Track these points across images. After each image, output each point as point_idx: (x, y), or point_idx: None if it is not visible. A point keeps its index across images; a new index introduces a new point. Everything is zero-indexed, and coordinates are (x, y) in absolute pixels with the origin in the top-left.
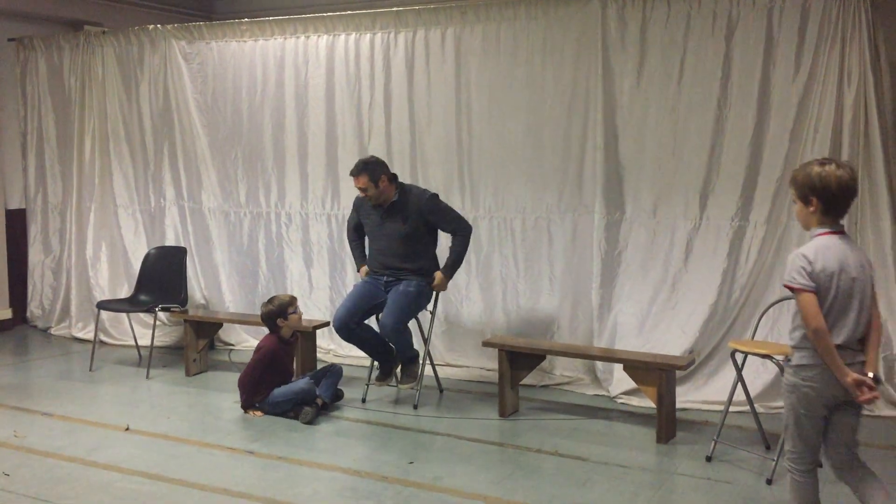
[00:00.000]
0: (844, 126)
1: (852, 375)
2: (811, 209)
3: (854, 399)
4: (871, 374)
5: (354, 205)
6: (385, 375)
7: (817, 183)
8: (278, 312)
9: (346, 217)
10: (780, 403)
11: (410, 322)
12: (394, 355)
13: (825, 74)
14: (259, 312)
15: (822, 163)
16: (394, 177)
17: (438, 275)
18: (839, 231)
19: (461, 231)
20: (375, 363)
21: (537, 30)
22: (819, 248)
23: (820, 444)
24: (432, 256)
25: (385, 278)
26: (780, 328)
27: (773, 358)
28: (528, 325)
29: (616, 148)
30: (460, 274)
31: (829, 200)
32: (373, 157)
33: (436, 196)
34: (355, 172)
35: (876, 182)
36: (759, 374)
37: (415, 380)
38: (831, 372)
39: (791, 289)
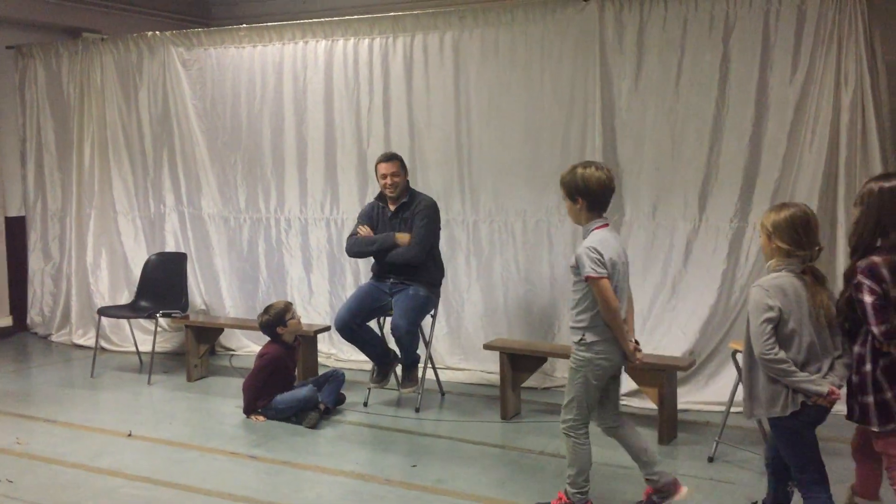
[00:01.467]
0: (842, 127)
1: (632, 344)
2: (578, 207)
3: (632, 363)
4: (634, 340)
5: (361, 215)
6: (383, 377)
7: (581, 183)
8: (276, 321)
9: (345, 221)
10: None
11: None
12: (392, 358)
13: (822, 76)
14: (256, 319)
15: (585, 166)
16: (408, 181)
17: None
18: (608, 223)
19: (412, 250)
20: (374, 365)
21: (535, 33)
22: (601, 241)
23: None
24: (439, 265)
25: (390, 282)
26: None
27: None
28: (530, 328)
29: (615, 150)
30: (461, 276)
31: (593, 198)
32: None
33: (433, 206)
34: (388, 158)
35: None
36: None
37: (416, 383)
38: (616, 344)
39: (591, 279)
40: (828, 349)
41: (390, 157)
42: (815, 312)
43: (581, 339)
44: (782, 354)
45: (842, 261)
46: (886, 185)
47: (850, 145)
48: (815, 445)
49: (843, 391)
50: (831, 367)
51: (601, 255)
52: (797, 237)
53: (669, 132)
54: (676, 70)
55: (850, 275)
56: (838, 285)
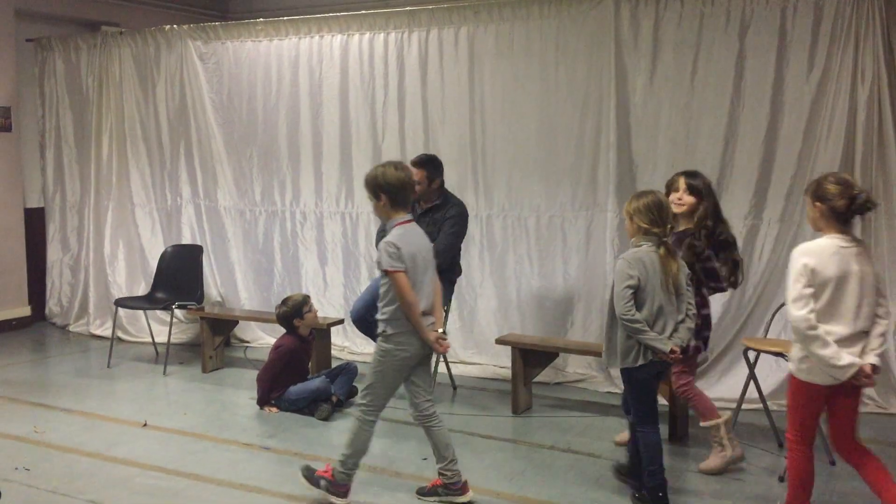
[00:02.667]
0: (858, 124)
1: (433, 334)
2: (381, 203)
3: (435, 351)
4: (441, 331)
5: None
6: None
7: (382, 181)
8: (293, 313)
9: (359, 215)
10: None
11: None
12: None
13: (839, 73)
14: (274, 310)
15: (385, 165)
16: (442, 183)
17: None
18: (411, 219)
19: (438, 257)
20: None
21: (550, 29)
22: (401, 236)
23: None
24: (456, 266)
25: None
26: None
27: (785, 356)
28: (542, 323)
29: (629, 146)
30: (474, 271)
31: (393, 196)
32: (434, 156)
33: (464, 214)
34: (418, 164)
35: (890, 180)
36: (771, 372)
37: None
38: (416, 335)
39: (387, 272)
40: (673, 312)
41: (419, 163)
42: (665, 281)
43: (383, 332)
44: (638, 315)
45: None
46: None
47: (867, 142)
48: (654, 392)
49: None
50: (675, 329)
51: (399, 249)
52: (653, 217)
53: (684, 129)
54: (692, 66)
55: None
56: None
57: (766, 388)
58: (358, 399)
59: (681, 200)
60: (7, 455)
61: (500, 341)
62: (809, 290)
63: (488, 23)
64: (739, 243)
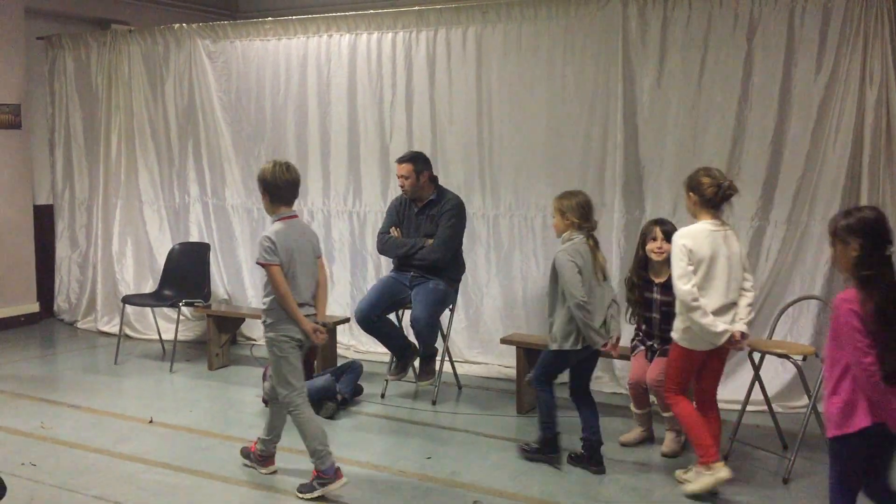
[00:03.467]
0: (866, 126)
1: (310, 324)
2: (266, 200)
3: (314, 342)
4: (323, 323)
5: (390, 209)
6: (402, 369)
7: (265, 179)
8: None
9: (367, 214)
10: (798, 403)
11: None
12: (412, 350)
13: (847, 74)
14: None
15: (273, 163)
16: (434, 178)
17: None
18: (293, 215)
19: (437, 252)
20: (393, 357)
21: (558, 29)
22: (278, 231)
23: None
24: (459, 262)
25: (411, 275)
26: (799, 328)
27: (790, 357)
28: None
29: (636, 147)
30: (480, 271)
31: (275, 193)
32: (421, 152)
33: (460, 206)
34: (402, 160)
35: None
36: (777, 374)
37: (433, 376)
38: (295, 323)
39: (263, 265)
40: (602, 297)
41: (404, 159)
42: (595, 269)
43: (265, 321)
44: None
45: None
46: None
47: (875, 144)
48: (566, 368)
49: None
50: (604, 322)
51: (274, 244)
52: (584, 214)
53: (691, 129)
54: (699, 67)
55: None
56: None
57: (772, 390)
58: (281, 394)
59: (661, 249)
60: (14, 450)
61: (504, 341)
62: (691, 268)
63: (496, 23)
64: (745, 245)
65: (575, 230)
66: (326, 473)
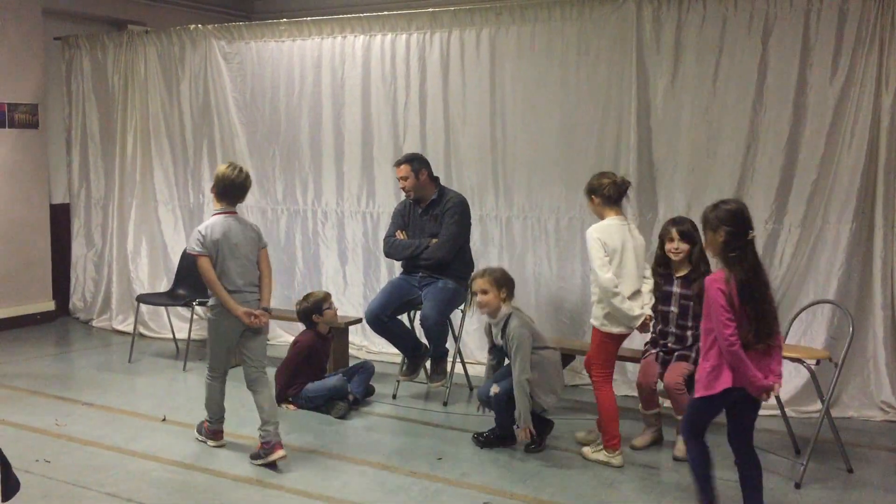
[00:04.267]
0: (881, 129)
1: (242, 309)
2: (214, 195)
3: (250, 324)
4: (265, 307)
5: (395, 213)
6: (413, 370)
7: (220, 177)
8: (313, 309)
9: (380, 215)
10: (812, 408)
11: None
12: (423, 351)
13: (863, 77)
14: (294, 308)
15: (230, 165)
16: (436, 178)
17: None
18: (231, 211)
19: (441, 250)
20: (404, 358)
21: (572, 31)
22: (210, 225)
23: (230, 358)
24: (468, 260)
25: (420, 275)
26: (812, 332)
27: (804, 361)
28: (560, 325)
29: (650, 149)
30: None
31: (220, 190)
32: (418, 153)
33: (462, 203)
34: (399, 162)
35: None
36: (790, 378)
37: (445, 377)
38: (230, 311)
39: (192, 254)
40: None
41: (399, 161)
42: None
43: (206, 303)
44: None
45: (878, 264)
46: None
47: (890, 147)
48: None
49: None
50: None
51: (204, 236)
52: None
53: (705, 132)
54: (714, 69)
55: None
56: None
57: (785, 395)
58: (208, 365)
59: (678, 249)
60: (28, 447)
61: None
62: (608, 259)
63: (510, 24)
64: (760, 248)
65: (611, 208)
66: (203, 433)
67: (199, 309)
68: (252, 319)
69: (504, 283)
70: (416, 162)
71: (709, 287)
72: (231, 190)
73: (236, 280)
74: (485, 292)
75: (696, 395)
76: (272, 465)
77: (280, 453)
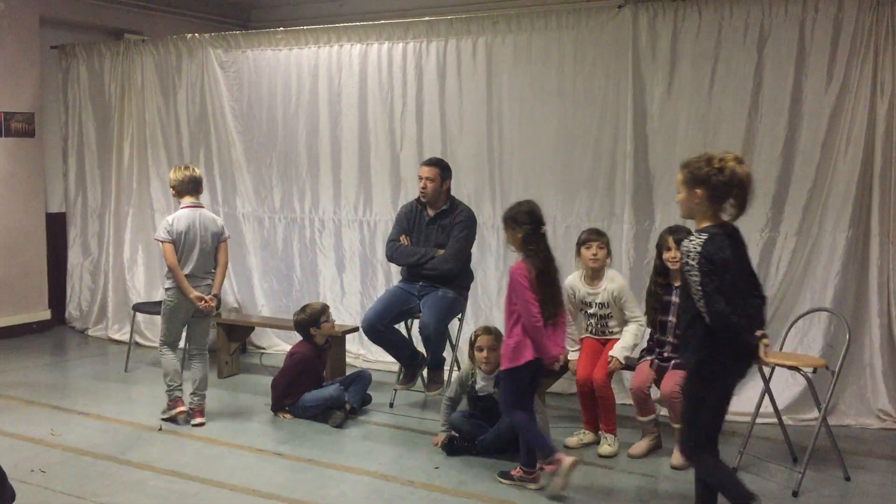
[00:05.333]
0: (877, 137)
1: (195, 293)
2: (175, 195)
3: (201, 308)
4: (214, 294)
5: (400, 216)
6: (410, 379)
7: (172, 176)
8: (310, 322)
9: (378, 223)
10: (809, 416)
11: None
12: (420, 360)
13: (858, 85)
14: (291, 317)
15: (176, 166)
16: (449, 189)
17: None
18: (196, 205)
19: (448, 262)
20: (401, 366)
21: (568, 39)
22: (177, 217)
23: (180, 334)
24: (468, 271)
25: (419, 284)
26: (809, 340)
27: (801, 370)
28: None
29: (646, 157)
30: (491, 281)
31: (177, 187)
32: (446, 161)
33: (472, 219)
34: (429, 163)
35: None
36: (787, 386)
37: (442, 385)
38: (181, 290)
39: (158, 241)
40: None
41: (430, 162)
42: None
43: (165, 286)
44: None
45: (874, 272)
46: None
47: (886, 155)
48: None
49: None
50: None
51: (171, 225)
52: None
53: (701, 140)
54: (710, 77)
55: None
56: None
57: (782, 403)
58: (159, 340)
59: (675, 258)
60: (24, 457)
61: None
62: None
63: (506, 33)
64: (756, 256)
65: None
66: (170, 403)
67: None
68: (202, 304)
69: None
70: (446, 170)
71: (514, 275)
72: (190, 185)
73: (193, 267)
74: (493, 349)
75: (503, 367)
76: (174, 420)
77: (200, 420)
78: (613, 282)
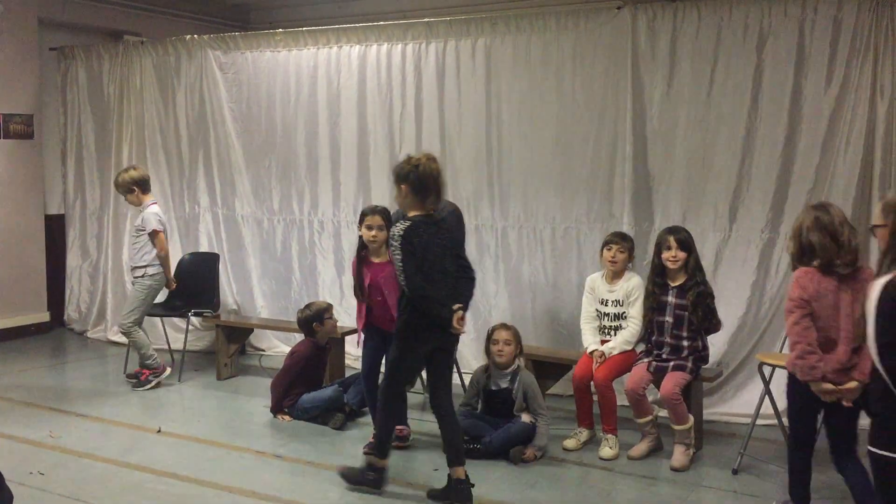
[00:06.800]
0: (877, 138)
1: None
2: (135, 195)
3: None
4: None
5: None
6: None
7: (135, 178)
8: (315, 317)
9: None
10: None
11: None
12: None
13: (858, 86)
14: (291, 318)
15: (130, 168)
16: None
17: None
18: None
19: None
20: None
21: (567, 41)
22: (158, 210)
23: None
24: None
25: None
26: None
27: None
28: (556, 335)
29: (645, 158)
30: (489, 282)
31: (144, 185)
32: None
33: (457, 214)
34: (374, 210)
35: None
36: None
37: None
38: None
39: (157, 230)
40: None
41: (374, 210)
42: None
43: (148, 271)
44: None
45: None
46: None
47: (885, 157)
48: None
49: None
50: None
51: (160, 217)
52: None
53: (701, 141)
54: (709, 79)
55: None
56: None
57: (782, 404)
58: (122, 320)
59: (675, 257)
60: (22, 459)
61: None
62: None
63: (505, 34)
64: (755, 257)
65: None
66: (156, 370)
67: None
68: (174, 286)
69: (521, 340)
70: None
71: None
72: (148, 182)
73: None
74: (508, 343)
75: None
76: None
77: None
78: (629, 281)
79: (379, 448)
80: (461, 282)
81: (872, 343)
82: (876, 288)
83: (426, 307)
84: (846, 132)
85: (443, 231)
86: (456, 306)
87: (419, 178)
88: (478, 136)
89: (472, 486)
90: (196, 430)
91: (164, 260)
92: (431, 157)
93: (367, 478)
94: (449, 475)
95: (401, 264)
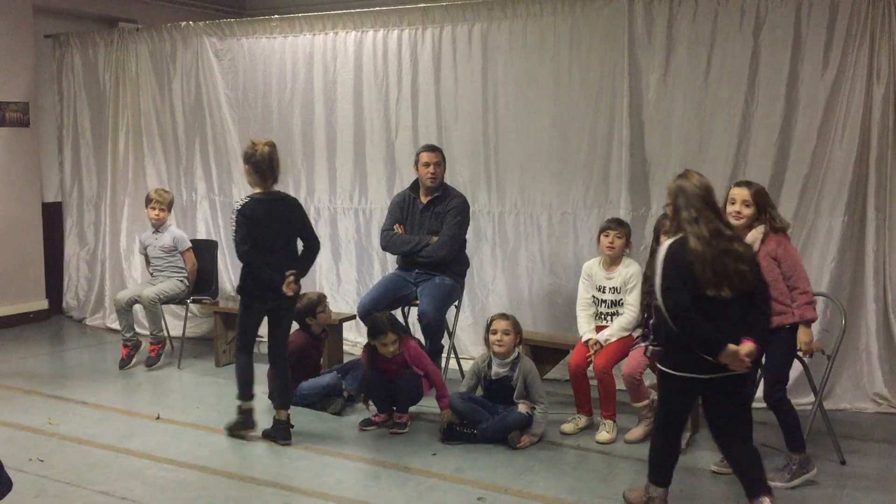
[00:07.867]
0: (873, 123)
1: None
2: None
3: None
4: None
5: (393, 206)
6: None
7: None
8: (306, 311)
9: (373, 211)
10: (804, 400)
11: None
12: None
13: (854, 71)
14: None
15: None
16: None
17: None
18: None
19: (442, 250)
20: None
21: (564, 26)
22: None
23: None
24: (464, 259)
25: (416, 272)
26: None
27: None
28: (553, 320)
29: (642, 144)
30: (486, 268)
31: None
32: None
33: (466, 205)
34: (433, 148)
35: None
36: None
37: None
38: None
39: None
40: None
41: (434, 148)
42: None
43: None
44: None
45: (870, 257)
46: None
47: (882, 140)
48: None
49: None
50: None
51: None
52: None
53: (698, 126)
54: (705, 64)
55: None
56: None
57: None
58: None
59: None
60: (22, 446)
61: None
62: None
63: (502, 20)
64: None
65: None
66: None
67: (193, 306)
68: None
69: (520, 330)
70: (443, 156)
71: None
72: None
73: None
74: (507, 333)
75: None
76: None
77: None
78: (628, 267)
79: (239, 392)
80: (304, 252)
81: (658, 288)
82: (664, 246)
83: (256, 272)
84: (842, 116)
85: (289, 207)
86: (289, 272)
87: (256, 162)
88: (474, 121)
89: (292, 426)
90: (195, 416)
91: (195, 272)
92: (270, 143)
93: (238, 421)
94: (274, 416)
95: (234, 234)
